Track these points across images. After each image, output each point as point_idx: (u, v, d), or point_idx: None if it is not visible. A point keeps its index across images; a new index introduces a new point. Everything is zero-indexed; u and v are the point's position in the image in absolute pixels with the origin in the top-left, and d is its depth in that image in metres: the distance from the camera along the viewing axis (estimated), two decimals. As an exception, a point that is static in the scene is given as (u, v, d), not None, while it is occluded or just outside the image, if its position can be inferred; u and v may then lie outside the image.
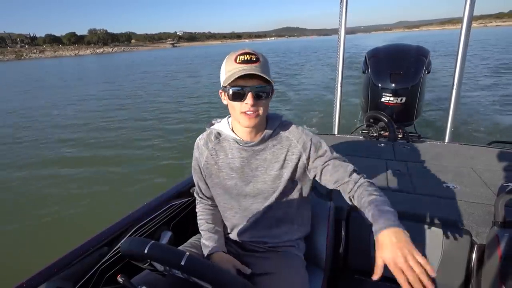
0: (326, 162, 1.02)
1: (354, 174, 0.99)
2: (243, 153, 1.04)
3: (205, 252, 1.08)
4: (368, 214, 0.86)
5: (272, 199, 1.05)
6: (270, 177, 1.04)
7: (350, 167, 1.01)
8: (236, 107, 0.94)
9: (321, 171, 1.03)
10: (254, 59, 0.91)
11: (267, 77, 0.89)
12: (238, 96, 0.92)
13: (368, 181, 0.98)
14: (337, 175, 1.00)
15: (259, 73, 0.88)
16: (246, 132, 1.01)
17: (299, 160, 1.04)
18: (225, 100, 0.98)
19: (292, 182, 1.06)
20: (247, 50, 0.93)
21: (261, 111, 0.94)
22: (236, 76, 0.88)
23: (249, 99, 0.90)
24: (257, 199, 1.06)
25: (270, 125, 1.04)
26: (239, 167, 1.05)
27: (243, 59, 0.91)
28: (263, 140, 1.03)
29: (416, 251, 0.71)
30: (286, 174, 1.03)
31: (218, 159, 1.07)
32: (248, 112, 0.92)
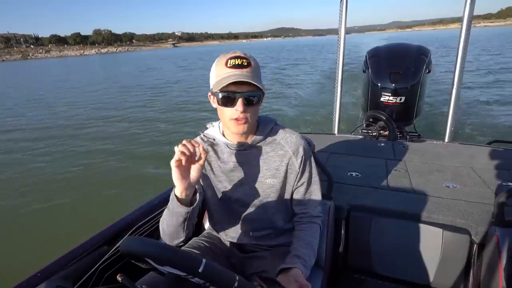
0: (304, 182, 1.05)
1: (316, 208, 1.08)
2: (234, 157, 1.03)
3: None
4: (291, 247, 1.00)
5: (263, 205, 1.05)
6: (260, 185, 1.03)
7: (317, 197, 1.08)
8: (225, 112, 0.92)
9: (296, 188, 1.06)
10: (246, 64, 0.88)
11: (259, 85, 0.87)
12: (228, 102, 0.90)
13: (315, 220, 1.08)
14: (303, 201, 1.07)
15: (251, 80, 0.86)
16: (236, 136, 1.01)
17: (291, 172, 1.04)
18: (214, 103, 0.95)
19: (285, 189, 1.06)
20: (238, 54, 0.90)
21: (250, 117, 0.92)
22: (227, 83, 0.85)
23: (239, 105, 0.88)
24: (245, 204, 1.06)
25: (262, 129, 1.03)
26: (230, 170, 1.04)
27: (234, 63, 0.88)
28: (254, 144, 1.02)
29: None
30: (278, 183, 1.03)
31: (210, 160, 1.06)
32: (238, 119, 0.91)
